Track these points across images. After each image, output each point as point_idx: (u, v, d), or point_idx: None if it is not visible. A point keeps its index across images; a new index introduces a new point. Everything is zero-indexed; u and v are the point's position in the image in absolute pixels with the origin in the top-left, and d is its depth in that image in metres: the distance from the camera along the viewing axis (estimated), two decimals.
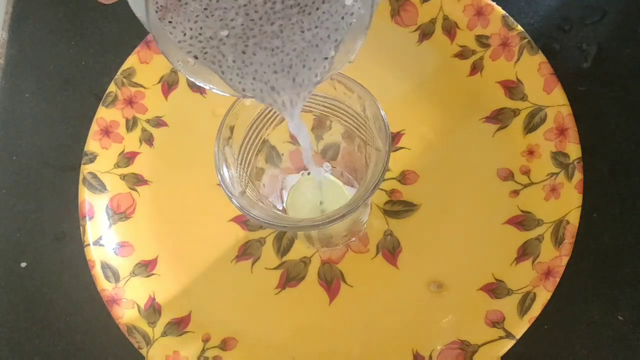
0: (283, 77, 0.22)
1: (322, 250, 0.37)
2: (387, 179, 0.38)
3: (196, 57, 0.22)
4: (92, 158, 0.39)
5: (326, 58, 0.22)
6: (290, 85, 0.23)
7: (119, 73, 0.40)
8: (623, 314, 0.34)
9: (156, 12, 0.21)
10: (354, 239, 0.37)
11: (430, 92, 0.39)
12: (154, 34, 0.20)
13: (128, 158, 0.40)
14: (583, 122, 0.35)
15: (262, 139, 0.31)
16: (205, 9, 0.21)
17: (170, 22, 0.22)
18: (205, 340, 0.36)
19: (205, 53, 0.22)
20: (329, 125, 0.32)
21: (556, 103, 0.36)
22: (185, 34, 0.22)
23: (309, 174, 0.33)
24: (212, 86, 0.23)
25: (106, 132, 0.40)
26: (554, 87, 0.36)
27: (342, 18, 0.22)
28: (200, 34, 0.22)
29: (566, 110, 0.36)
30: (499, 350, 0.32)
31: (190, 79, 0.22)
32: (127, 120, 0.40)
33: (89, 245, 0.37)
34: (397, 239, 0.36)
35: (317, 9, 0.22)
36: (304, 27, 0.22)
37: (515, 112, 0.37)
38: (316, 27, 0.22)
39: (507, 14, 0.38)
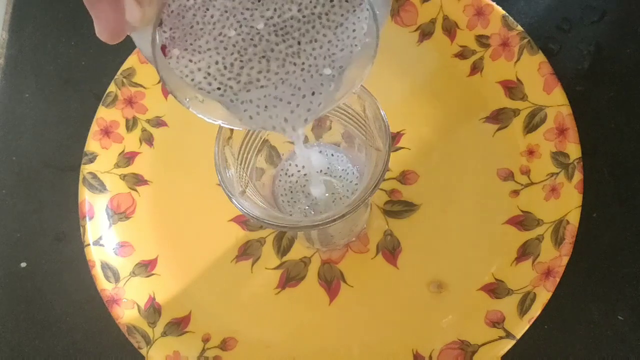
0: (291, 108, 0.23)
1: (322, 250, 0.37)
2: (387, 179, 0.37)
3: (207, 92, 0.22)
4: (92, 158, 0.39)
5: (333, 87, 0.22)
6: (303, 112, 0.23)
7: (119, 73, 0.40)
8: (623, 314, 0.34)
9: (163, 48, 0.21)
10: (354, 238, 0.37)
11: (431, 92, 0.39)
12: (161, 74, 0.20)
13: (128, 158, 0.40)
14: (583, 122, 0.35)
15: (262, 139, 0.31)
16: (215, 39, 0.21)
17: (176, 56, 0.22)
18: (205, 340, 0.36)
19: (209, 85, 0.22)
20: (329, 125, 0.32)
21: (556, 103, 0.36)
22: (189, 67, 0.22)
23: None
24: (222, 121, 0.23)
25: (106, 132, 0.40)
26: (554, 87, 0.36)
27: (351, 51, 0.22)
28: (205, 64, 0.22)
29: (566, 110, 0.36)
30: (499, 350, 0.32)
31: (199, 116, 0.22)
32: (127, 120, 0.40)
33: (89, 245, 0.37)
34: (397, 239, 0.36)
35: (325, 35, 0.22)
36: (310, 58, 0.22)
37: (515, 112, 0.37)
38: (324, 57, 0.22)
39: (507, 14, 0.38)
